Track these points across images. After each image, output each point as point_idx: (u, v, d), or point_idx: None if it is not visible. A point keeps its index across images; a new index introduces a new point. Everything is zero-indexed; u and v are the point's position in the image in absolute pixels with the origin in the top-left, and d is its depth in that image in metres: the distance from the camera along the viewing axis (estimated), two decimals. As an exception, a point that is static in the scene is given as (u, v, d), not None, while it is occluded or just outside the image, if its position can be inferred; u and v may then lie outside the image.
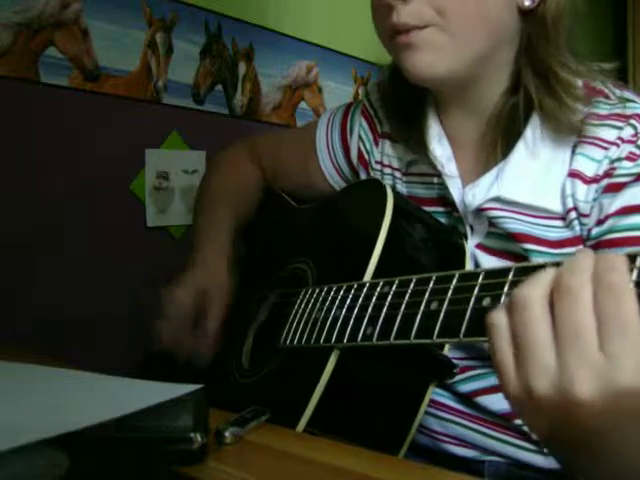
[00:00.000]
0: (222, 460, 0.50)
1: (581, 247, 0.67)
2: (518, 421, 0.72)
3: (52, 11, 1.11)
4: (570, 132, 0.67)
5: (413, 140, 0.78)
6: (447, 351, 0.69)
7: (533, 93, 0.68)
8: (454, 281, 0.50)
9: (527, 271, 0.44)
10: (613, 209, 0.64)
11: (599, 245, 0.65)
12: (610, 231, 0.64)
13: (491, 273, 0.47)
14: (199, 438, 0.48)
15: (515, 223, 0.69)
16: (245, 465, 0.49)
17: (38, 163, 1.11)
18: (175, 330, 0.79)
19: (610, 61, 0.71)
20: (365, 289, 0.61)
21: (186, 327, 0.79)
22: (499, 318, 0.41)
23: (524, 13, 0.68)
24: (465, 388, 0.75)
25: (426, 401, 0.67)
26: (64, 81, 1.14)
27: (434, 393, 0.74)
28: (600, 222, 0.65)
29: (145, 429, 0.48)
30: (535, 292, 0.40)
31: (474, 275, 0.48)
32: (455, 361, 0.72)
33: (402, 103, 0.80)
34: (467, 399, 0.75)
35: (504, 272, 0.46)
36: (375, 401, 0.66)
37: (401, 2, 0.64)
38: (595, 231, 0.65)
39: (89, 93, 1.18)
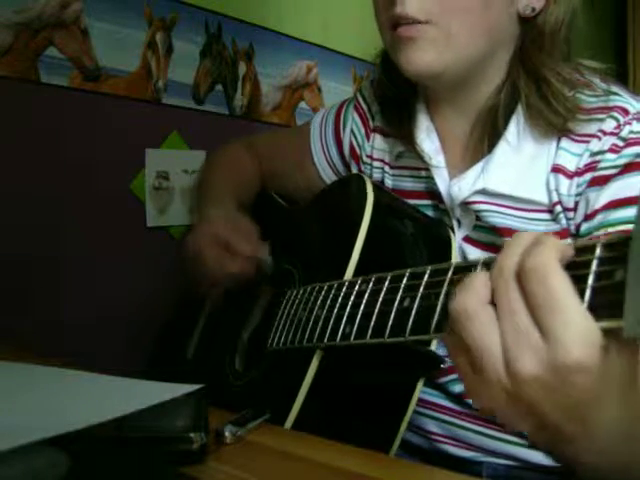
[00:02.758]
0: (222, 460, 0.50)
1: (569, 241, 0.67)
2: None
3: (52, 11, 1.11)
4: (553, 130, 0.67)
5: (403, 133, 0.79)
6: (437, 350, 0.69)
7: (523, 91, 0.68)
8: (426, 277, 0.50)
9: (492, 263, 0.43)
10: (600, 204, 0.64)
11: None
12: (601, 226, 0.63)
13: (460, 267, 0.47)
14: (199, 438, 0.48)
15: (500, 217, 0.69)
16: (245, 465, 0.49)
17: (38, 163, 1.11)
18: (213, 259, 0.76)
19: (610, 62, 0.71)
20: (344, 288, 0.61)
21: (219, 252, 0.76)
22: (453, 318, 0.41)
23: (523, 20, 0.69)
24: (457, 388, 0.75)
25: (416, 397, 0.67)
26: (64, 81, 1.14)
27: (429, 394, 0.74)
28: (588, 217, 0.65)
29: (145, 429, 0.48)
30: (476, 280, 0.40)
31: (444, 270, 0.48)
32: (446, 360, 0.72)
33: (394, 97, 0.80)
34: (459, 400, 0.75)
35: (472, 266, 0.45)
36: (363, 399, 0.66)
37: None
38: (585, 227, 0.65)
39: (89, 93, 1.18)
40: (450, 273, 0.47)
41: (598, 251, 0.37)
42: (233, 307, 0.84)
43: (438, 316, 0.46)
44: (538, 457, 0.73)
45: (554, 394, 0.37)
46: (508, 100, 0.70)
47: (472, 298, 0.39)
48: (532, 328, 0.37)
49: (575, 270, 0.37)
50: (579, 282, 0.37)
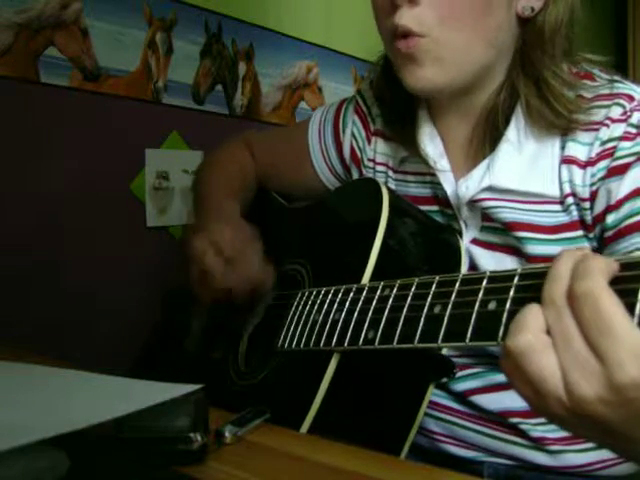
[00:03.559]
0: (222, 460, 0.50)
1: (580, 232, 0.67)
2: (514, 420, 0.72)
3: (52, 11, 1.11)
4: (555, 130, 0.67)
5: (406, 138, 0.78)
6: (443, 350, 0.69)
7: (522, 92, 0.68)
8: (457, 285, 0.50)
9: (534, 276, 0.44)
10: (624, 193, 0.63)
11: (620, 232, 0.64)
12: (630, 215, 0.63)
13: (495, 277, 0.48)
14: (199, 438, 0.48)
15: (509, 212, 0.69)
16: (245, 465, 0.49)
17: (38, 163, 1.11)
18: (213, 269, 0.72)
19: (610, 56, 0.71)
20: (365, 292, 0.61)
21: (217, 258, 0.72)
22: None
23: (523, 21, 0.68)
24: (460, 387, 0.75)
25: (426, 401, 0.67)
26: (64, 81, 1.14)
27: (431, 393, 0.74)
28: (613, 207, 0.64)
29: (145, 429, 0.48)
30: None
31: (478, 279, 0.48)
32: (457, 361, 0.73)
33: (395, 103, 0.80)
34: (463, 399, 0.75)
35: (509, 276, 0.46)
36: (376, 402, 0.66)
37: (407, 3, 0.64)
38: (612, 219, 0.64)
39: (89, 93, 1.18)
40: (485, 282, 0.47)
41: None
42: (235, 306, 0.84)
43: (474, 324, 0.47)
44: (539, 457, 0.73)
45: (618, 410, 0.38)
46: (508, 101, 0.70)
47: (527, 334, 0.40)
48: (588, 352, 0.38)
49: (623, 284, 0.38)
50: (628, 296, 0.38)
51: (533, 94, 0.67)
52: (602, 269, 0.38)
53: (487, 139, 0.72)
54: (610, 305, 0.37)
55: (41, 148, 1.12)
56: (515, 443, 0.73)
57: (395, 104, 0.80)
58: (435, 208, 0.77)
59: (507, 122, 0.70)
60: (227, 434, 0.52)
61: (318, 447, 0.54)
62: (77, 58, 1.15)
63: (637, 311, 0.37)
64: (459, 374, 0.74)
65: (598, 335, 0.37)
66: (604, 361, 0.37)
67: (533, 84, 0.68)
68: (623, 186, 0.63)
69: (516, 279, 0.45)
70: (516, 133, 0.69)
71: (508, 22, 0.67)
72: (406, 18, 0.64)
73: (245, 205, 0.92)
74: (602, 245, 0.66)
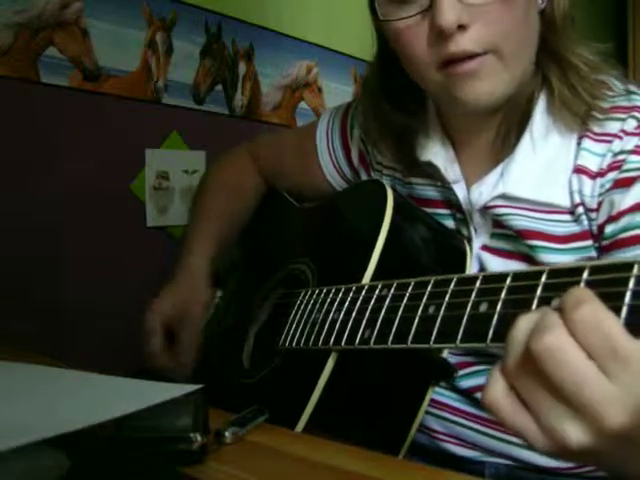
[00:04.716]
0: (222, 460, 0.50)
1: (590, 242, 0.67)
2: None
3: (52, 11, 1.11)
4: (576, 120, 0.66)
5: (413, 147, 0.78)
6: (445, 350, 0.69)
7: (552, 79, 0.67)
8: (452, 285, 0.50)
9: (525, 277, 0.44)
10: (626, 205, 0.63)
11: (616, 244, 0.64)
12: (626, 229, 0.63)
13: (489, 278, 0.47)
14: (199, 438, 0.48)
15: (522, 220, 0.69)
16: (245, 465, 0.49)
17: (38, 163, 1.11)
18: (154, 344, 0.83)
19: (611, 63, 0.70)
20: (364, 292, 0.61)
21: (162, 341, 0.83)
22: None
23: (540, 13, 0.68)
24: (465, 384, 0.75)
25: (425, 403, 0.67)
26: (64, 81, 1.14)
27: (434, 392, 0.75)
28: (613, 219, 0.64)
29: (145, 429, 0.48)
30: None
31: (472, 279, 0.48)
32: (456, 357, 0.72)
33: (397, 112, 0.78)
34: (467, 396, 0.75)
35: (502, 277, 0.46)
36: (374, 403, 0.66)
37: (458, 30, 0.61)
38: (610, 229, 0.64)
39: (89, 93, 1.18)
40: (479, 283, 0.47)
41: (636, 269, 0.37)
42: (239, 305, 0.84)
43: (465, 326, 0.46)
44: (540, 458, 0.72)
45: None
46: (534, 91, 0.69)
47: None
48: (605, 384, 0.36)
49: (610, 287, 0.37)
50: (616, 300, 0.37)
51: (559, 79, 0.67)
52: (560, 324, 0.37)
53: (502, 142, 0.71)
54: (616, 327, 0.36)
55: (41, 148, 1.12)
56: (516, 444, 0.73)
57: (398, 115, 0.77)
58: (446, 212, 0.77)
59: (525, 123, 0.69)
60: (227, 434, 0.52)
61: (318, 447, 0.54)
62: (77, 58, 1.16)
63: (623, 314, 0.36)
64: (464, 371, 0.74)
65: (612, 364, 0.36)
66: (623, 387, 0.36)
67: (562, 74, 0.67)
68: (627, 198, 0.63)
69: (509, 280, 0.45)
70: (531, 139, 0.68)
71: (536, 19, 0.67)
72: (464, 43, 0.62)
73: (243, 220, 0.96)
74: (599, 255, 0.66)
